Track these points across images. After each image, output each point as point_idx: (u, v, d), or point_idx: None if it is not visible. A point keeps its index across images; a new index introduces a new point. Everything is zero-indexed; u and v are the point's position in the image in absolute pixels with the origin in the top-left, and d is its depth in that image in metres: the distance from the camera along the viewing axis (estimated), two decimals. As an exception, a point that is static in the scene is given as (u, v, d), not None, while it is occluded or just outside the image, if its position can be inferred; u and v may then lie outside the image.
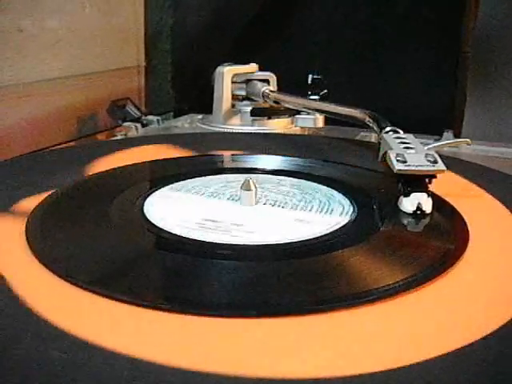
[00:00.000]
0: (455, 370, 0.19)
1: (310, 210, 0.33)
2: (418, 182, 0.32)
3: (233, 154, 0.45)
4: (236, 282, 0.24)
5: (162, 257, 0.27)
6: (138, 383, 0.18)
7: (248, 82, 0.61)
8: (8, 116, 0.58)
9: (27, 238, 0.28)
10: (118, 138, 0.61)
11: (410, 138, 0.37)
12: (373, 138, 0.58)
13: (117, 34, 0.73)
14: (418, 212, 0.32)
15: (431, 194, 0.32)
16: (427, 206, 0.32)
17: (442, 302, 0.23)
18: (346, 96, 0.53)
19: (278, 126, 0.59)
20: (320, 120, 0.56)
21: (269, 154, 0.44)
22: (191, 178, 0.38)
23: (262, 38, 0.77)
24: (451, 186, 0.36)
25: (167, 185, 0.37)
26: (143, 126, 0.64)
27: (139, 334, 0.21)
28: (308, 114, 0.56)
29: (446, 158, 0.34)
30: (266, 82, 0.61)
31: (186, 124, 0.67)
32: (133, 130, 0.62)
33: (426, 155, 0.33)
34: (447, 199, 0.34)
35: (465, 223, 0.31)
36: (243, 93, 0.62)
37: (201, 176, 0.39)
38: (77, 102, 0.67)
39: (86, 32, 0.68)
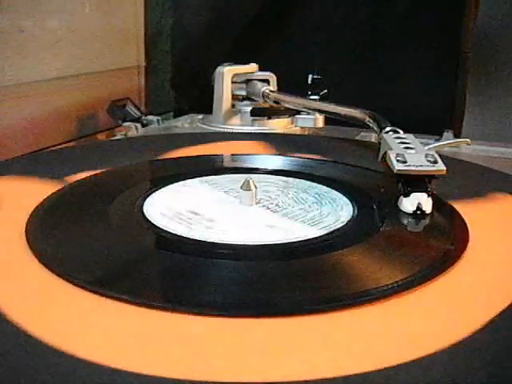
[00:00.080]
0: (455, 370, 0.19)
1: (306, 213, 0.33)
2: (417, 182, 0.32)
3: (233, 154, 0.45)
4: (235, 282, 0.24)
5: (162, 256, 0.27)
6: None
7: (248, 82, 0.61)
8: (8, 116, 0.58)
9: (27, 238, 0.28)
10: (118, 137, 0.61)
11: (410, 138, 0.37)
12: (373, 137, 0.58)
13: (117, 34, 0.73)
14: (418, 212, 0.32)
15: (431, 194, 0.32)
16: (427, 206, 0.32)
17: (442, 302, 0.23)
18: (346, 96, 0.53)
19: (278, 125, 0.59)
20: (320, 120, 0.56)
21: (269, 154, 0.44)
22: (192, 178, 0.39)
23: (262, 38, 0.77)
24: (451, 186, 0.36)
25: (167, 185, 0.37)
26: (143, 125, 0.64)
27: (139, 334, 0.21)
28: (308, 113, 0.56)
29: (445, 158, 0.34)
30: (266, 82, 0.61)
31: (186, 124, 0.67)
32: (133, 129, 0.62)
33: (426, 155, 0.33)
34: (447, 199, 0.34)
35: (465, 223, 0.31)
36: (243, 93, 0.62)
37: (202, 176, 0.39)
38: (77, 101, 0.67)
39: (86, 32, 0.68)
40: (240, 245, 0.28)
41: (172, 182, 0.37)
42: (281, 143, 0.48)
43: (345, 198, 0.35)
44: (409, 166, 0.32)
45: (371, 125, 0.43)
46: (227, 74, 0.61)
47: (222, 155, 0.45)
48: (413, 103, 0.70)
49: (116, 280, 0.25)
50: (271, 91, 0.58)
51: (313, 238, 0.29)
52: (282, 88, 0.61)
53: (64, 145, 0.64)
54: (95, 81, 0.70)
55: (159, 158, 0.44)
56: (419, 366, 0.19)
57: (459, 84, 0.67)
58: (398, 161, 0.33)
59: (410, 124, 0.41)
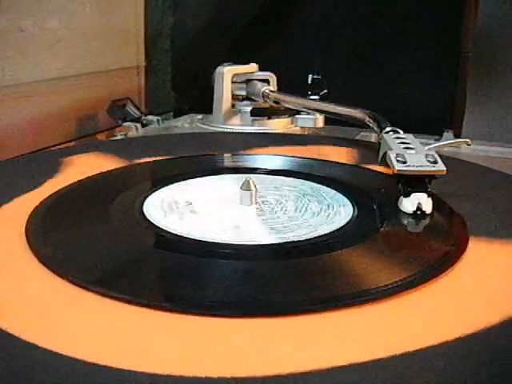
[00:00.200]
0: (455, 371, 0.19)
1: (306, 213, 0.33)
2: (418, 182, 0.32)
3: (233, 154, 0.45)
4: (235, 282, 0.24)
5: (162, 256, 0.27)
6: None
7: (248, 82, 0.61)
8: (8, 116, 0.58)
9: (27, 238, 0.28)
10: (118, 138, 0.61)
11: (409, 138, 0.37)
12: (373, 138, 0.58)
13: (117, 34, 0.73)
14: (418, 212, 0.32)
15: (431, 195, 0.32)
16: (427, 206, 0.32)
17: (442, 302, 0.23)
18: (346, 96, 0.53)
19: (278, 125, 0.59)
20: (320, 120, 0.56)
21: (269, 153, 0.44)
22: (192, 179, 0.39)
23: (262, 38, 0.77)
24: (451, 186, 0.36)
25: (167, 185, 0.37)
26: (143, 125, 0.64)
27: (139, 334, 0.21)
28: (308, 114, 0.56)
29: (446, 158, 0.34)
30: (266, 82, 0.61)
31: (186, 124, 0.67)
32: (133, 129, 0.62)
33: (426, 155, 0.33)
34: (447, 199, 0.34)
35: (465, 223, 0.31)
36: (243, 93, 0.62)
37: (203, 176, 0.39)
38: (77, 101, 0.67)
39: (86, 32, 0.68)
40: (240, 245, 0.28)
41: (172, 182, 0.37)
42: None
43: (345, 198, 0.35)
44: (409, 166, 0.32)
45: (371, 125, 0.43)
46: (227, 74, 0.61)
47: (222, 155, 0.45)
48: (413, 103, 0.70)
49: (116, 280, 0.25)
50: (271, 91, 0.58)
51: (313, 238, 0.29)
52: (281, 88, 0.61)
53: (64, 145, 0.64)
54: (95, 81, 0.70)
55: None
56: (419, 366, 0.19)
57: (459, 84, 0.67)
58: (398, 161, 0.33)
59: (410, 124, 0.41)
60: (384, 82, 0.71)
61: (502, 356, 0.19)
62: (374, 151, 0.40)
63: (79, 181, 0.37)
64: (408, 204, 0.32)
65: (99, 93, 0.70)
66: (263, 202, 0.34)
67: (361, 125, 0.46)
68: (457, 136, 0.60)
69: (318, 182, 0.38)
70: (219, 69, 0.61)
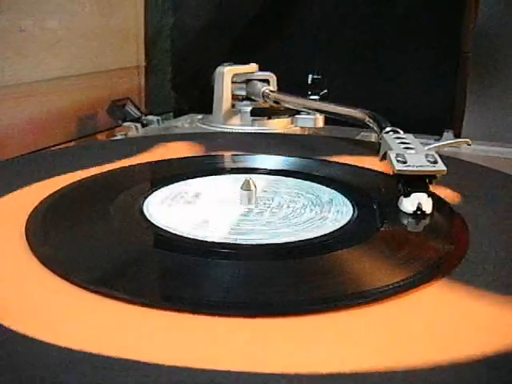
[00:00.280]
0: (455, 372, 0.19)
1: (306, 213, 0.33)
2: (418, 182, 0.32)
3: (233, 154, 0.45)
4: (235, 282, 0.24)
5: (162, 256, 0.27)
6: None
7: (248, 81, 0.61)
8: (8, 116, 0.58)
9: (27, 238, 0.28)
10: (119, 138, 0.61)
11: (409, 138, 0.37)
12: (373, 138, 0.58)
13: (117, 34, 0.73)
14: (418, 212, 0.32)
15: (431, 195, 0.32)
16: (427, 206, 0.32)
17: (442, 302, 0.23)
18: (346, 96, 0.53)
19: (278, 125, 0.59)
20: (320, 120, 0.56)
21: (269, 153, 0.44)
22: (192, 179, 0.39)
23: (262, 38, 0.77)
24: (451, 187, 0.36)
25: (167, 185, 0.37)
26: (143, 126, 0.64)
27: (140, 334, 0.21)
28: (308, 113, 0.56)
29: (446, 158, 0.34)
30: (266, 82, 0.61)
31: (186, 124, 0.67)
32: (133, 129, 0.62)
33: (426, 155, 0.33)
34: (447, 199, 0.34)
35: (465, 224, 0.31)
36: (243, 93, 0.62)
37: (203, 176, 0.39)
38: (77, 101, 0.67)
39: (86, 32, 0.68)
40: (240, 245, 0.28)
41: (172, 182, 0.38)
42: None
43: (345, 198, 0.35)
44: (409, 166, 0.32)
45: (371, 125, 0.43)
46: (227, 74, 0.61)
47: (222, 155, 0.45)
48: (413, 103, 0.70)
49: (116, 280, 0.25)
50: (271, 91, 0.58)
51: (313, 238, 0.29)
52: (282, 88, 0.61)
53: (64, 145, 0.64)
54: (95, 81, 0.70)
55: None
56: (419, 368, 0.19)
57: (459, 84, 0.67)
58: (398, 161, 0.33)
59: (410, 124, 0.41)
60: (384, 81, 0.71)
61: (503, 358, 0.19)
62: (374, 151, 0.40)
63: (79, 180, 0.37)
64: (408, 204, 0.32)
65: (99, 93, 0.70)
66: (263, 202, 0.34)
67: (361, 125, 0.46)
68: (457, 136, 0.60)
69: (318, 182, 0.38)
70: (219, 69, 0.61)
